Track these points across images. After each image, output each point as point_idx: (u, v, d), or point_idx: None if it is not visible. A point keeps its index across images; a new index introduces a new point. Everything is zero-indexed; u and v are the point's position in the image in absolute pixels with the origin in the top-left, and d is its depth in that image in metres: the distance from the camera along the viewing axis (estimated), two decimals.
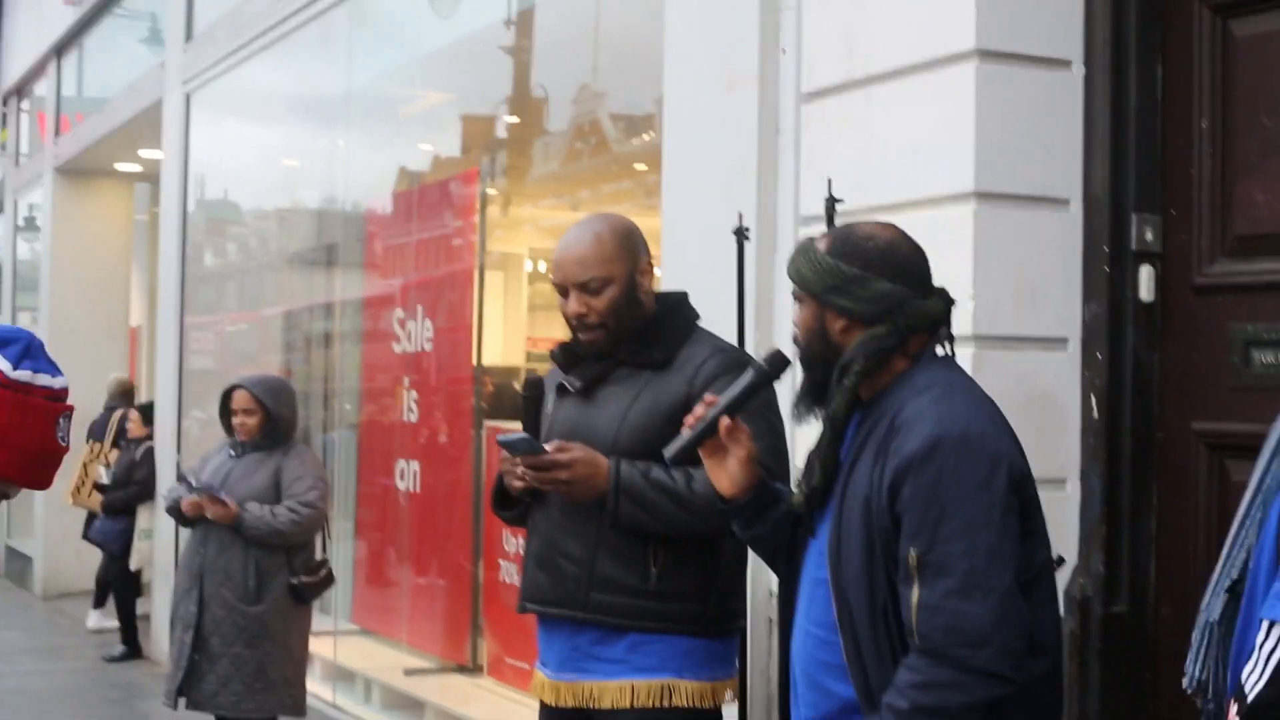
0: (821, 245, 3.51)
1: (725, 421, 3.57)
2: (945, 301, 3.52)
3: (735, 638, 4.48)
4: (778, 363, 3.64)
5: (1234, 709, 2.79)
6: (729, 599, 4.37)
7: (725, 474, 3.64)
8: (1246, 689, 2.76)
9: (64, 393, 3.16)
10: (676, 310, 4.47)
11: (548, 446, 4.19)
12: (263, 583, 7.41)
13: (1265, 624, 2.77)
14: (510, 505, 4.53)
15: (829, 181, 4.82)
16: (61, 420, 3.13)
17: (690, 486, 4.10)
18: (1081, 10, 4.77)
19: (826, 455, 3.45)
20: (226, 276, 13.90)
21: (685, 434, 3.61)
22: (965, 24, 4.65)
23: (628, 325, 4.33)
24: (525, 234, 11.76)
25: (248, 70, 11.75)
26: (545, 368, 10.96)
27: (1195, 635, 3.10)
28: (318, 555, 7.64)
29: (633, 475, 4.16)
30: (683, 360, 4.30)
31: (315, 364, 11.52)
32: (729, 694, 4.43)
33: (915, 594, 3.19)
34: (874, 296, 3.43)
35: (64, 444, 3.13)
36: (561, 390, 4.45)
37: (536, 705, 4.50)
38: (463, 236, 9.15)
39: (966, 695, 3.15)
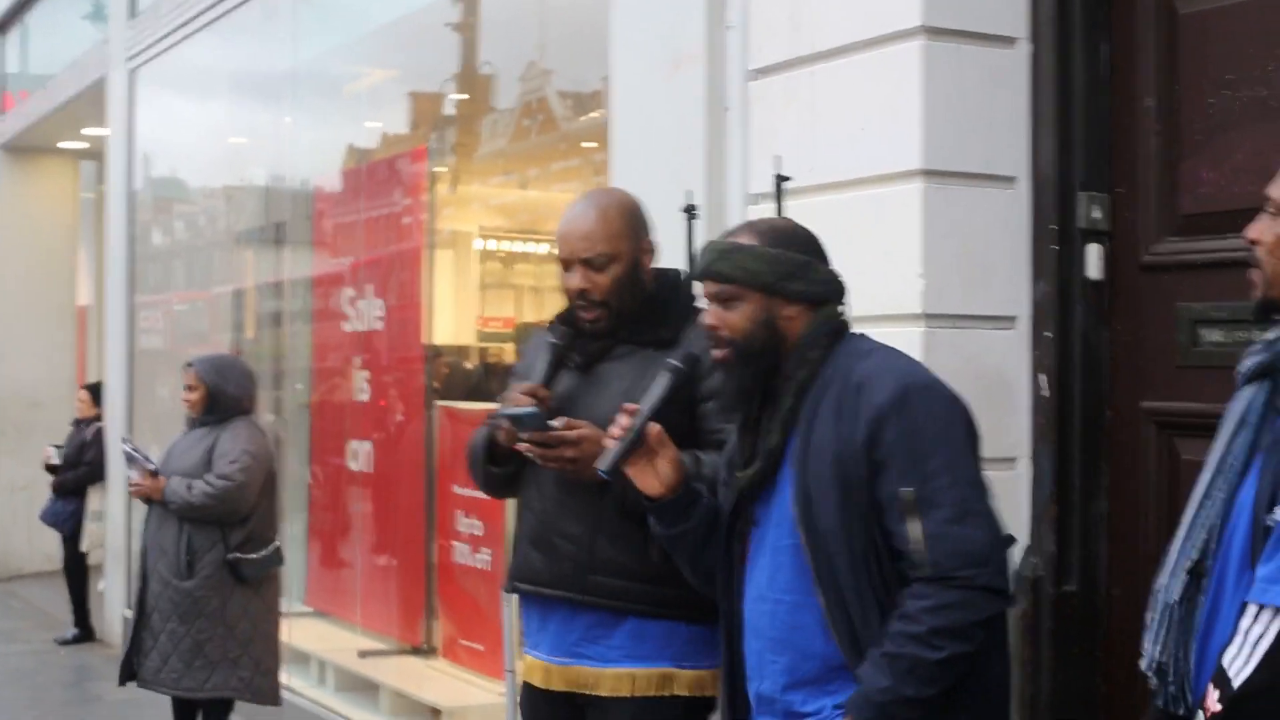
0: (753, 240, 3.63)
1: (653, 427, 3.70)
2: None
3: None
4: (692, 362, 3.79)
5: (1214, 694, 2.78)
6: None
7: (654, 476, 3.75)
8: (1230, 673, 2.75)
9: None
10: (677, 289, 4.39)
11: (555, 423, 4.08)
12: (195, 558, 7.38)
13: (1254, 608, 2.76)
14: (498, 462, 4.41)
15: (777, 159, 4.80)
16: None
17: (699, 470, 4.03)
18: None
19: (787, 419, 3.54)
20: (175, 255, 13.81)
21: (615, 445, 3.69)
22: (911, 1, 4.63)
23: (629, 304, 4.24)
24: (474, 212, 11.72)
25: (192, 47, 11.67)
26: (498, 347, 10.89)
27: (1152, 616, 3.08)
28: (271, 533, 7.58)
29: None
30: (688, 340, 4.18)
31: (265, 343, 11.46)
32: None
33: (916, 527, 3.33)
34: (823, 279, 3.63)
35: None
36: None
37: (489, 686, 4.46)
38: (411, 214, 9.11)
39: (976, 613, 3.30)
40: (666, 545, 3.86)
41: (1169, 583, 3.05)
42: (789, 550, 3.50)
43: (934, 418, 3.41)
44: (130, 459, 7.51)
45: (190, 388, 7.61)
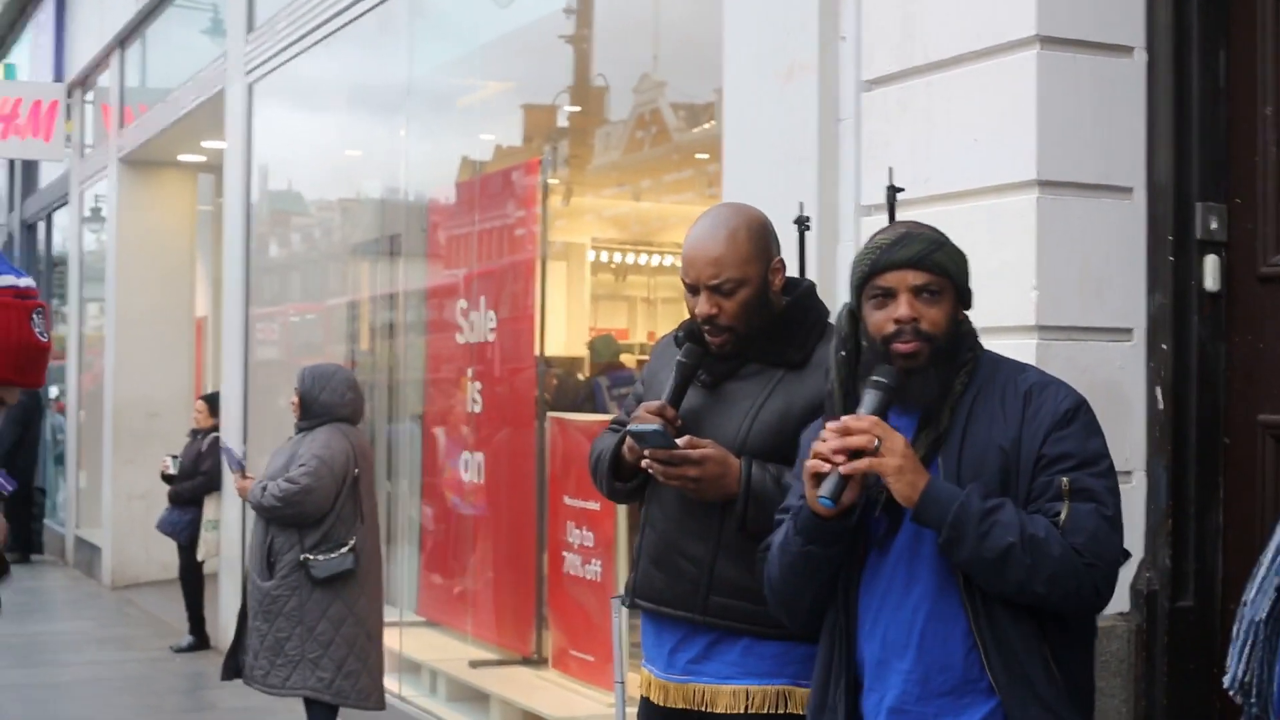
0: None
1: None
2: None
3: None
4: (896, 376, 3.52)
5: None
6: None
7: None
8: None
9: (31, 290, 3.20)
10: (808, 306, 4.26)
11: (679, 441, 4.02)
12: (275, 558, 7.68)
13: None
14: (624, 477, 4.35)
15: (890, 170, 4.77)
16: (35, 316, 3.17)
17: (768, 483, 3.98)
18: None
19: (955, 406, 3.54)
20: (291, 267, 13.94)
21: (835, 473, 3.39)
22: (1026, 10, 4.61)
23: (757, 325, 4.14)
24: (587, 223, 11.76)
25: (309, 61, 11.77)
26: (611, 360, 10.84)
27: (1238, 631, 3.03)
28: (348, 537, 7.76)
29: (764, 480, 4.00)
30: (819, 360, 4.09)
31: (379, 354, 11.55)
32: None
33: (1067, 506, 3.35)
34: None
35: (44, 339, 3.17)
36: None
37: (599, 697, 4.44)
38: (525, 226, 9.14)
39: (1074, 582, 3.32)
40: (805, 564, 3.59)
41: (1256, 599, 2.99)
42: (931, 556, 3.45)
43: (1097, 433, 3.49)
44: (227, 457, 7.92)
45: (294, 393, 7.95)
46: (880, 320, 3.53)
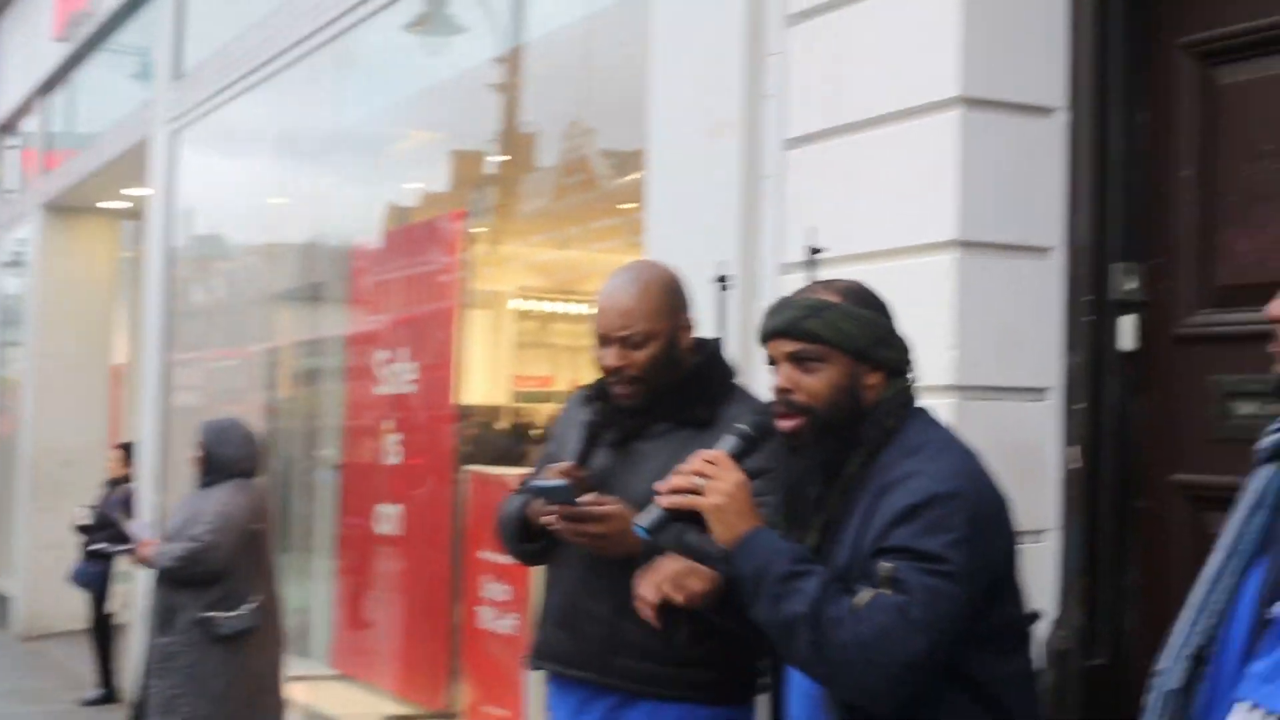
0: (837, 298, 3.41)
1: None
2: None
3: (752, 705, 4.24)
4: (762, 429, 3.46)
5: None
6: (752, 666, 4.11)
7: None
8: None
9: None
10: (716, 365, 4.31)
11: (584, 498, 4.02)
12: (174, 616, 7.59)
13: (1242, 707, 2.66)
14: (531, 538, 4.34)
15: (810, 231, 4.78)
16: None
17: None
18: (1065, 58, 4.74)
19: (848, 488, 3.33)
20: (213, 313, 13.85)
21: (654, 506, 3.43)
22: (949, 71, 4.62)
23: (665, 381, 4.16)
24: (514, 271, 11.74)
25: (235, 108, 11.74)
26: (532, 408, 10.82)
27: (1151, 700, 2.98)
28: (250, 594, 7.74)
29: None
30: (726, 419, 4.06)
31: (300, 402, 11.47)
32: None
33: (870, 593, 3.09)
34: (902, 346, 3.47)
35: None
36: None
37: None
38: (448, 274, 9.10)
39: (849, 666, 3.08)
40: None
41: (1171, 668, 2.95)
42: None
43: (953, 529, 3.14)
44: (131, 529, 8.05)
45: (195, 448, 7.90)
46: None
